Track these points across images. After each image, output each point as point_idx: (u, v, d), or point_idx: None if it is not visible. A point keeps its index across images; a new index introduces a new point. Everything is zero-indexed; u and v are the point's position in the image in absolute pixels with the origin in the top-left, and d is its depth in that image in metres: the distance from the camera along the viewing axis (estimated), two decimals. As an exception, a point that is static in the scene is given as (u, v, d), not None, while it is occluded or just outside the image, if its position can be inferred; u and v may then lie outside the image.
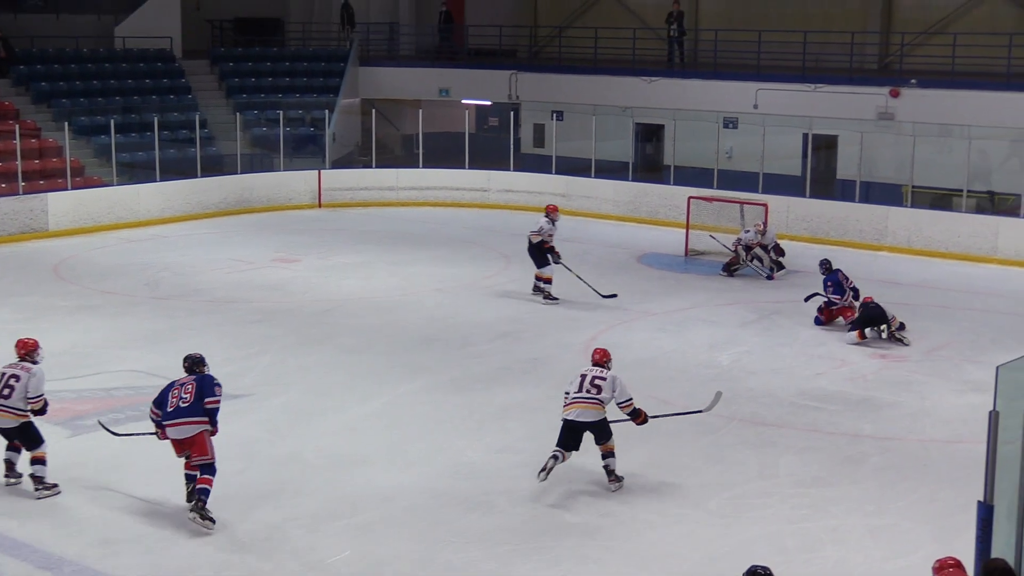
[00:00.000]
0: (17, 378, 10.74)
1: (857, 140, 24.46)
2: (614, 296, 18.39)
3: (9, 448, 11.05)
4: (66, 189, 24.01)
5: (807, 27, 27.16)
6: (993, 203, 24.32)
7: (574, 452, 11.14)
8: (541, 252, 18.55)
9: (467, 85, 31.08)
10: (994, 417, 7.14)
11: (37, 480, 10.84)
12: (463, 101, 30.72)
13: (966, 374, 14.95)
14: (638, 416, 11.22)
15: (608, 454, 11.13)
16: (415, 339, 16.38)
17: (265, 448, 12.16)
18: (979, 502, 7.28)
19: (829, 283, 17.20)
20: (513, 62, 32.16)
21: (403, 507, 10.69)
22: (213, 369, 10.76)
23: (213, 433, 10.45)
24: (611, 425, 11.12)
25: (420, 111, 28.52)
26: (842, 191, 25.33)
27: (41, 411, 10.85)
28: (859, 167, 24.37)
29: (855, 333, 16.25)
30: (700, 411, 11.96)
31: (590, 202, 26.77)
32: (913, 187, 24.15)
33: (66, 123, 24.75)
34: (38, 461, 10.86)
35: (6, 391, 10.70)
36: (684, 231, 22.69)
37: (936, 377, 14.87)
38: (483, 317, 17.36)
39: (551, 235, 18.60)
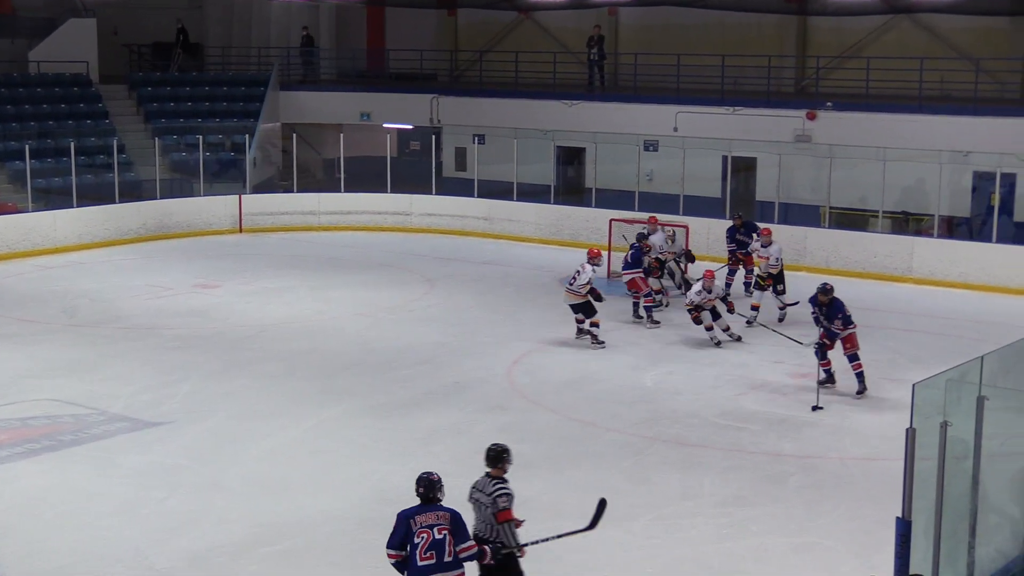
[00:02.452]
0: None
1: (775, 162, 24.79)
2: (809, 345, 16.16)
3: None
4: (-20, 216, 23.64)
5: (725, 51, 27.52)
6: (908, 223, 24.78)
7: None
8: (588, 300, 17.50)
9: (388, 109, 31.07)
10: (911, 434, 7.26)
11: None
12: (384, 125, 30.69)
13: (884, 392, 15.19)
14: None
15: None
16: (338, 364, 16.31)
17: (188, 476, 12.03)
18: (897, 518, 7.39)
19: (839, 314, 15.04)
20: (434, 86, 32.22)
21: (328, 533, 10.63)
22: (133, 397, 10.64)
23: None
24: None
25: (341, 135, 28.44)
26: (761, 212, 25.65)
27: None
28: (777, 189, 24.70)
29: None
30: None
31: (512, 225, 26.85)
32: (830, 208, 24.53)
33: (-20, 149, 24.39)
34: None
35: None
36: (606, 253, 22.81)
37: (855, 395, 15.08)
38: (406, 341, 17.34)
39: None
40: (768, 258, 19.00)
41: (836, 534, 10.77)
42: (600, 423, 13.72)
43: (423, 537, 7.99)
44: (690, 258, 20.92)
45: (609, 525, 10.89)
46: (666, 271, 20.62)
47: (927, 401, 7.33)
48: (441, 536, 8.04)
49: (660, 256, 20.18)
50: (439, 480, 8.37)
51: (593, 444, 12.99)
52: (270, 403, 14.53)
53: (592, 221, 25.50)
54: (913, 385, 7.25)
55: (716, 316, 17.37)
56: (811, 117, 25.37)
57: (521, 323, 18.71)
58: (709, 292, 17.17)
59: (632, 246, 19.23)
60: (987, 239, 22.63)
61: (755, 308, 18.79)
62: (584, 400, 14.72)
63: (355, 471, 12.22)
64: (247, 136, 28.34)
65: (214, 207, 27.14)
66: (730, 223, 21.03)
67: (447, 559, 8.01)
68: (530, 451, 12.77)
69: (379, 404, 14.49)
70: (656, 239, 20.10)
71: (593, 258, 17.70)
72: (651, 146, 26.77)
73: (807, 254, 23.44)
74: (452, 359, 16.57)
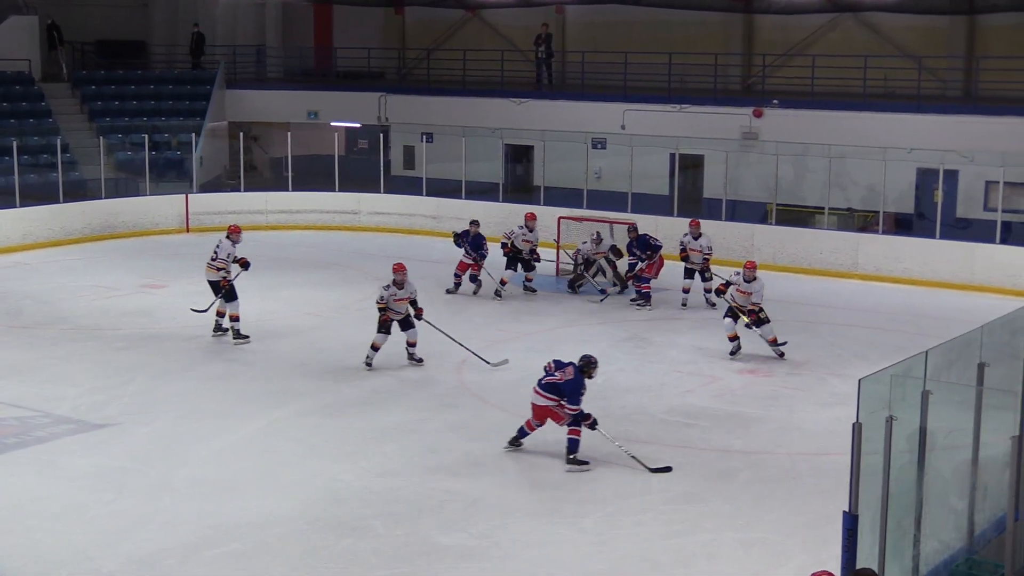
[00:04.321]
0: None
1: (722, 159, 24.91)
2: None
3: None
4: (-79, 216, 23.30)
5: (672, 49, 27.61)
6: (853, 220, 25.00)
7: None
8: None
9: (336, 108, 30.94)
10: (857, 429, 7.32)
11: None
12: (332, 124, 30.57)
13: (831, 387, 15.33)
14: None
15: None
16: (287, 364, 16.22)
17: (134, 478, 11.92)
18: (844, 512, 7.45)
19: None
20: (382, 84, 32.12)
21: (277, 535, 10.57)
22: (79, 399, 10.53)
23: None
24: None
25: (289, 134, 28.29)
26: (709, 210, 25.79)
27: None
28: (725, 186, 24.83)
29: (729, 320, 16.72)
30: (487, 362, 14.01)
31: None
32: (777, 205, 24.70)
33: (-80, 148, 24.03)
34: None
35: None
36: (555, 251, 22.85)
37: (802, 391, 15.21)
38: (356, 340, 17.26)
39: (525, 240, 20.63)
40: (700, 250, 19.75)
41: (784, 529, 10.85)
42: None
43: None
44: (617, 254, 20.96)
45: (559, 521, 10.94)
46: (597, 270, 20.80)
47: (873, 396, 7.39)
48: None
49: (591, 257, 20.52)
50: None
51: (542, 442, 12.99)
52: (218, 404, 14.42)
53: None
54: (859, 380, 7.30)
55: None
56: (757, 115, 25.55)
57: (470, 321, 18.69)
58: (597, 245, 20.27)
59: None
60: (931, 235, 22.89)
61: (686, 291, 19.92)
62: (529, 399, 14.69)
63: (305, 471, 12.16)
64: (193, 135, 28.10)
65: (160, 206, 26.89)
66: (680, 220, 21.35)
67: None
68: (480, 449, 12.79)
69: (329, 404, 14.43)
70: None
71: (232, 233, 17.78)
72: (599, 144, 26.84)
73: (754, 250, 23.56)
74: (401, 358, 16.52)
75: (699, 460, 12.62)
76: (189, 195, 27.20)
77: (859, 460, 7.34)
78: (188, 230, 26.93)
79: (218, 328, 17.52)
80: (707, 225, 24.19)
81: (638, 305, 19.55)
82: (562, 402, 12.29)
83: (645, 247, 19.92)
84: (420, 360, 16.19)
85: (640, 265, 19.84)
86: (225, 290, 17.32)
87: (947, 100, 25.71)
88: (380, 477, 12.01)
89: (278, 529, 10.67)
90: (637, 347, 17.36)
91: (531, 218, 21.01)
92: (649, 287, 19.70)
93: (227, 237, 17.71)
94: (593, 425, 12.35)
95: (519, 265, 20.63)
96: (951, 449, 8.63)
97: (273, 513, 11.01)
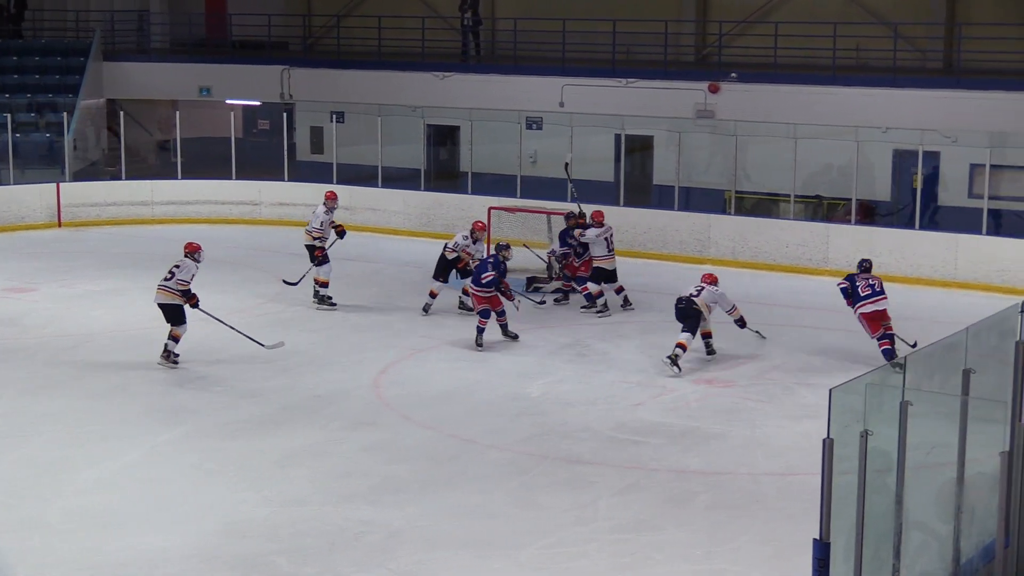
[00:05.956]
0: None
1: (675, 141, 25.09)
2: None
3: None
4: None
5: (616, 16, 27.73)
6: (822, 209, 25.27)
7: None
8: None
9: (232, 83, 30.75)
10: (828, 445, 7.39)
11: None
12: (227, 101, 30.40)
13: (799, 398, 15.49)
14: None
15: None
16: (177, 378, 16.13)
17: (1, 512, 11.79)
18: (815, 540, 7.53)
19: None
20: (285, 56, 31.94)
21: (169, 575, 10.51)
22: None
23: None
24: None
25: (177, 113, 28.09)
26: (660, 198, 25.95)
27: None
28: (677, 171, 24.99)
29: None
30: (262, 344, 15.30)
31: (377, 215, 26.80)
32: (736, 193, 24.90)
33: None
34: None
35: None
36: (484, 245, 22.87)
37: (766, 403, 15.36)
38: (258, 350, 17.19)
39: None
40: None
41: (748, 559, 10.94)
42: (480, 439, 13.75)
43: None
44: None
45: (492, 554, 10.97)
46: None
47: (845, 408, 7.48)
48: None
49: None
50: None
51: (473, 464, 13.01)
52: (97, 425, 14.30)
53: (468, 209, 25.51)
54: (830, 390, 7.39)
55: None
56: (714, 90, 25.72)
57: (389, 327, 18.67)
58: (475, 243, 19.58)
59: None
60: (909, 226, 23.17)
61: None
62: (462, 414, 14.74)
63: (199, 502, 12.08)
64: (65, 114, 27.80)
65: (27, 197, 26.62)
66: (628, 210, 21.36)
67: None
68: (402, 473, 12.79)
69: (226, 423, 14.35)
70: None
71: (328, 200, 20.15)
72: (534, 124, 26.92)
73: (711, 244, 23.78)
74: (311, 369, 16.47)
75: (651, 482, 12.70)
76: (61, 184, 26.94)
77: (831, 480, 7.42)
78: (60, 224, 26.67)
79: (322, 300, 19.72)
80: (657, 216, 24.44)
81: (597, 313, 19.53)
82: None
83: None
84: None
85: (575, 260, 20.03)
86: (319, 258, 19.59)
87: (927, 73, 26.03)
88: (286, 507, 11.96)
89: (169, 569, 10.60)
90: (580, 354, 17.45)
91: (480, 228, 19.99)
92: (588, 289, 19.69)
93: (323, 204, 19.97)
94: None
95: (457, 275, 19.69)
96: (933, 467, 8.76)
97: (163, 550, 10.93)
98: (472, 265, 18.84)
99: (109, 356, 17.13)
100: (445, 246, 19.72)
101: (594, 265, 19.54)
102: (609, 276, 19.56)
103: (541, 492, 12.42)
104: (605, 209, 23.94)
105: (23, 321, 18.90)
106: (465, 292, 19.28)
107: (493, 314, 17.69)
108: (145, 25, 33.62)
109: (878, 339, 16.48)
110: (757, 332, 17.61)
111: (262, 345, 16.83)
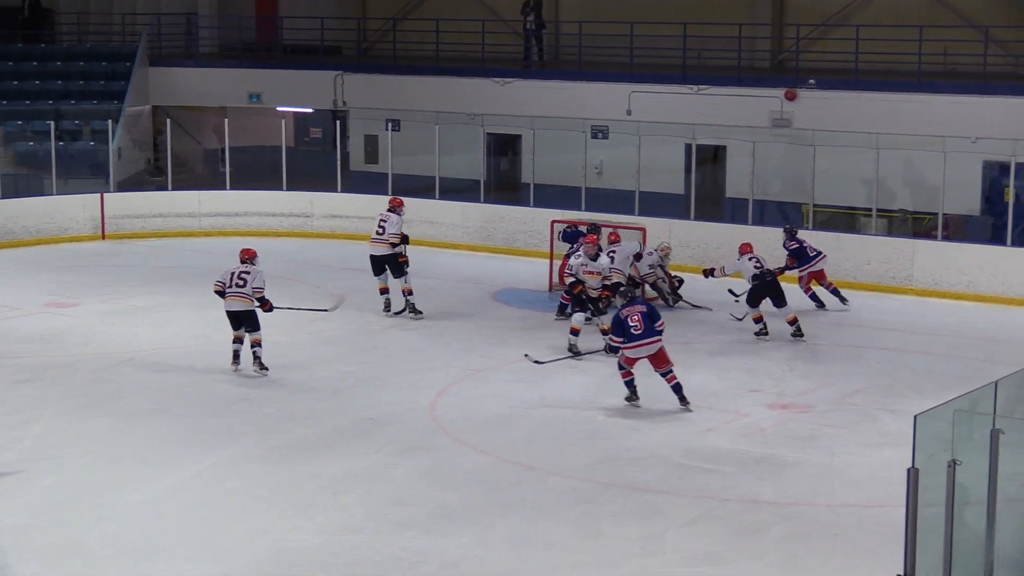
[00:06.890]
0: None
1: (748, 151, 24.94)
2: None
3: None
4: None
5: (686, 19, 27.66)
6: (907, 224, 25.06)
7: None
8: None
9: (283, 89, 30.96)
10: (913, 475, 7.33)
11: None
12: (278, 108, 30.58)
13: (880, 425, 15.34)
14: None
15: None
16: (224, 398, 16.20)
17: (37, 537, 11.87)
18: (899, 576, 7.47)
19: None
20: (338, 61, 32.13)
21: (213, 605, 10.56)
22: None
23: None
24: None
25: (226, 121, 28.27)
26: (732, 212, 25.84)
27: None
28: (751, 183, 24.86)
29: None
30: (326, 310, 16.75)
31: (434, 228, 26.82)
32: (815, 206, 24.74)
33: None
34: None
35: None
36: (547, 261, 22.86)
37: (846, 430, 15.22)
38: (309, 370, 17.25)
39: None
40: (599, 273, 18.80)
41: (825, 596, 10.86)
42: (541, 465, 13.72)
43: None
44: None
45: (554, 589, 10.93)
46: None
47: (931, 436, 7.41)
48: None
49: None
50: None
51: (532, 491, 12.98)
52: (139, 447, 14.38)
53: (530, 223, 25.57)
54: (915, 417, 7.32)
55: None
56: (790, 97, 25.61)
57: (447, 347, 18.67)
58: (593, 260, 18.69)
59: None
60: (1000, 242, 22.95)
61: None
62: (522, 438, 14.71)
63: (247, 529, 12.12)
64: (110, 122, 28.08)
65: (70, 209, 26.87)
66: (697, 224, 21.30)
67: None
68: (458, 500, 12.77)
69: (275, 447, 14.40)
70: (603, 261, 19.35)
71: (397, 207, 20.59)
72: (600, 133, 26.89)
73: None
74: (364, 391, 16.51)
75: (722, 512, 12.62)
76: (105, 195, 27.17)
77: (915, 513, 7.36)
78: (104, 237, 26.91)
79: (414, 309, 20.18)
80: (729, 230, 24.26)
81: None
82: None
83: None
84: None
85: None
86: (404, 264, 20.11)
87: (1020, 79, 25.80)
88: (338, 535, 11.98)
89: (213, 599, 10.64)
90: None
91: (592, 241, 18.98)
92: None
93: (391, 211, 20.47)
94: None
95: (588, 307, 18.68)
96: (1026, 499, 8.66)
97: (207, 579, 10.99)
98: (596, 285, 18.49)
99: (151, 375, 17.24)
100: (568, 269, 18.99)
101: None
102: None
103: (605, 522, 12.37)
104: (674, 223, 23.93)
105: (63, 337, 19.06)
106: (575, 332, 18.23)
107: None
108: (193, 29, 33.88)
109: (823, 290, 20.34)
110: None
111: (326, 311, 18.97)
